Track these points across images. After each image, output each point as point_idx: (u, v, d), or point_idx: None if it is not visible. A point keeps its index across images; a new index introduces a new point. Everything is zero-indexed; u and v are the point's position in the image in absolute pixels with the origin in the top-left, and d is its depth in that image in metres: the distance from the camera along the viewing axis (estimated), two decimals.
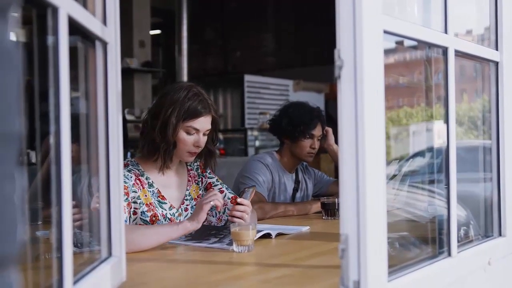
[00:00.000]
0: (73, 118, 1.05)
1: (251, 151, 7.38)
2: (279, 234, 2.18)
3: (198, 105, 2.18)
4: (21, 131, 0.59)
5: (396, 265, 1.32)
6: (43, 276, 1.19)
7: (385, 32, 1.25)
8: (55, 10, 0.99)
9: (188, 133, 2.19)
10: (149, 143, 2.21)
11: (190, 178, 2.39)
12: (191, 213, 2.31)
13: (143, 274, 1.63)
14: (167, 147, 2.18)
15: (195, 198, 2.37)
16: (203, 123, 2.21)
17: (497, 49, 1.79)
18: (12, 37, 0.58)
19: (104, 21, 1.35)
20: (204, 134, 2.23)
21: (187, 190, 2.36)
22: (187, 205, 2.32)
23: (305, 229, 2.34)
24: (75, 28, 1.10)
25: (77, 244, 1.34)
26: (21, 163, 0.61)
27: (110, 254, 1.37)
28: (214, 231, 2.15)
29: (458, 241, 1.54)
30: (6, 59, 0.55)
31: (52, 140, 1.01)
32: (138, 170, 2.22)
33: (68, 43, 1.02)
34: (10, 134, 0.56)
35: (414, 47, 1.73)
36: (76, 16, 1.09)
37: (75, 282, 1.08)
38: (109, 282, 1.31)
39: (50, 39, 1.01)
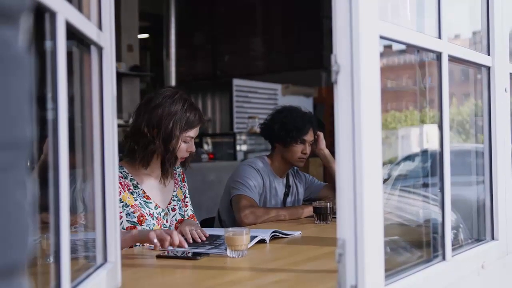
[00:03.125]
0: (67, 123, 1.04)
1: (240, 155, 7.37)
2: (273, 237, 2.18)
3: (195, 116, 2.29)
4: (32, 137, 0.58)
5: (392, 269, 1.32)
6: (39, 282, 1.18)
7: (381, 37, 1.25)
8: (53, 15, 0.98)
9: (185, 141, 2.29)
10: (149, 153, 2.25)
11: (176, 181, 2.46)
12: (179, 213, 2.41)
13: (138, 280, 1.62)
14: (171, 158, 2.26)
15: (182, 200, 2.44)
16: (197, 130, 2.33)
17: (489, 54, 1.80)
18: (23, 43, 0.58)
19: (100, 26, 1.34)
20: (194, 140, 2.35)
21: (174, 191, 2.43)
22: (174, 205, 2.39)
23: (298, 233, 2.35)
24: (70, 32, 1.10)
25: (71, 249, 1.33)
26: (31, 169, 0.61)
27: (105, 260, 1.36)
28: (209, 240, 2.13)
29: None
30: (17, 65, 0.55)
31: (49, 144, 1.00)
32: (121, 173, 2.25)
33: (65, 48, 1.02)
34: (21, 140, 0.56)
35: (401, 51, 1.74)
36: (73, 21, 1.08)
37: None
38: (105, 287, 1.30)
39: (47, 44, 1.00)
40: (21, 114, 0.56)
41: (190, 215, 2.47)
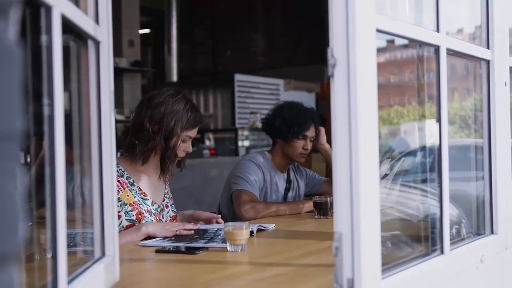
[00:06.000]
0: (64, 118, 1.04)
1: (242, 151, 7.37)
2: (259, 230, 2.23)
3: (197, 117, 2.32)
4: (22, 129, 0.59)
5: (389, 263, 1.32)
6: (36, 276, 1.18)
7: (378, 30, 1.25)
8: (48, 9, 0.98)
9: (184, 141, 2.31)
10: (149, 149, 2.26)
11: (166, 179, 2.49)
12: (172, 210, 2.44)
13: (136, 274, 1.62)
14: (171, 155, 2.28)
15: (171, 198, 2.48)
16: (196, 131, 2.36)
17: (488, 48, 1.80)
18: (13, 36, 0.58)
19: (97, 20, 1.34)
20: (192, 140, 2.36)
21: (166, 188, 2.46)
22: (167, 203, 2.43)
23: (272, 226, 2.37)
24: (67, 27, 1.10)
25: (69, 244, 1.33)
26: (22, 161, 0.62)
27: (103, 254, 1.37)
28: (197, 235, 2.13)
29: (450, 239, 1.54)
30: (7, 58, 0.55)
31: (45, 140, 1.01)
32: (118, 171, 2.25)
33: (61, 42, 1.02)
34: (12, 132, 0.56)
35: (404, 46, 1.74)
36: (70, 15, 1.08)
37: (69, 282, 1.08)
38: (103, 281, 1.30)
39: (43, 38, 1.00)
40: (11, 106, 0.56)
41: (172, 216, 2.45)
